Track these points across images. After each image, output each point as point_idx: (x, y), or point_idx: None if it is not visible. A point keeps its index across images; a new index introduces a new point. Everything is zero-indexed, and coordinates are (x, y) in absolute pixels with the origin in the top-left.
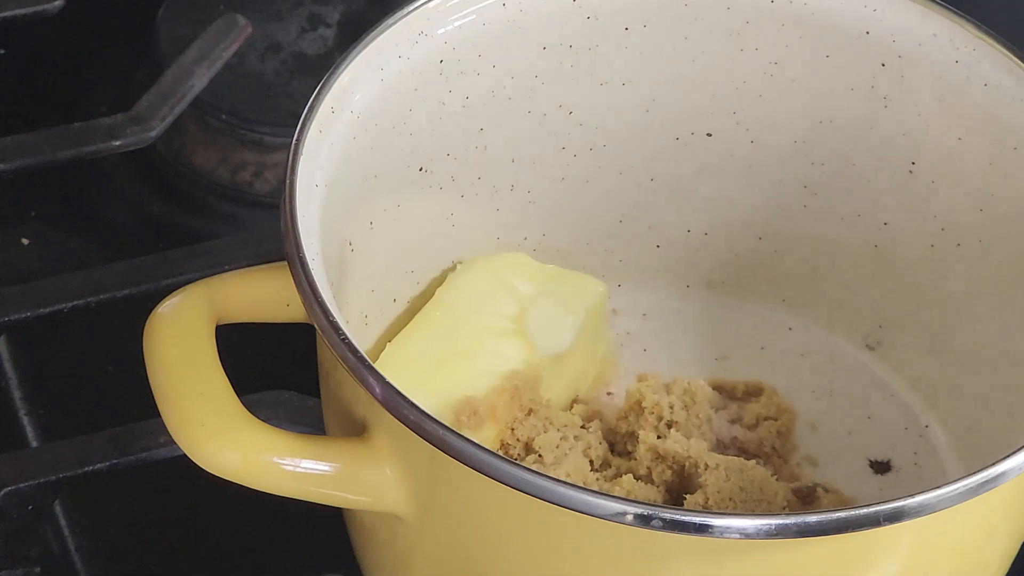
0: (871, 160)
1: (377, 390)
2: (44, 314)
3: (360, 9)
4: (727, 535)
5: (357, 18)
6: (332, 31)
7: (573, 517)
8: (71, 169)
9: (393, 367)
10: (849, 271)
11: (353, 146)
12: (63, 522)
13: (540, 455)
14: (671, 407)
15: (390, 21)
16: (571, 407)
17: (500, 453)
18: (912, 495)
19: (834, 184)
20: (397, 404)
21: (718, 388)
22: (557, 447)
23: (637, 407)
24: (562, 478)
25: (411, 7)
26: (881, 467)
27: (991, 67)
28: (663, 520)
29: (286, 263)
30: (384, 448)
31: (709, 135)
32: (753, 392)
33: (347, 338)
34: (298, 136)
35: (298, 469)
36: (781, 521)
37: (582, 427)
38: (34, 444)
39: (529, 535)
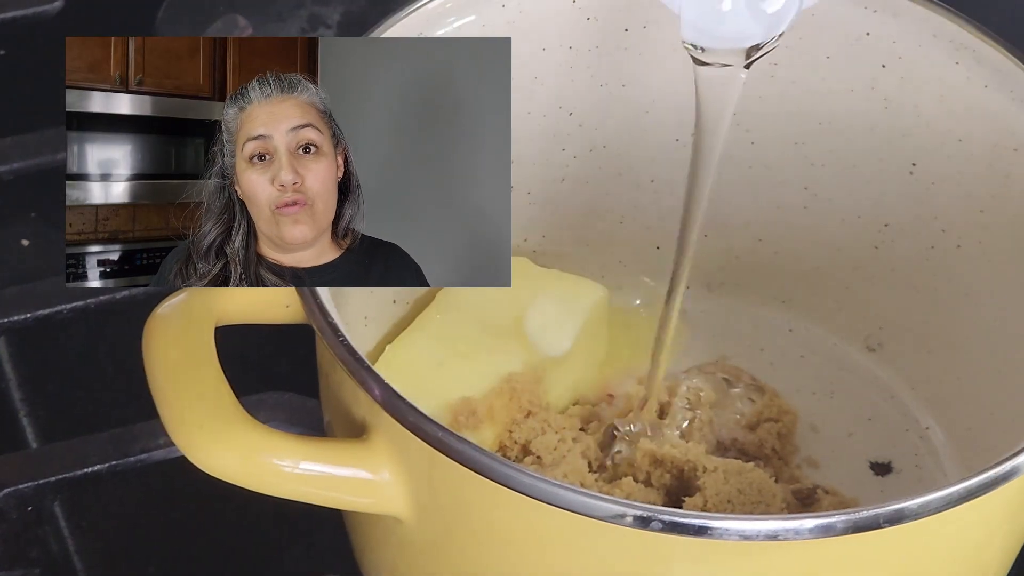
0: (871, 161)
1: (376, 392)
2: (44, 314)
3: (360, 9)
4: (727, 537)
5: (357, 18)
6: (332, 32)
7: (572, 519)
8: None
9: (392, 369)
10: (849, 272)
11: None
12: (63, 522)
13: (538, 457)
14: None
15: (390, 22)
16: (571, 409)
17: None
18: (913, 497)
19: (834, 185)
20: (396, 406)
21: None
22: (555, 449)
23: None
24: (559, 480)
25: (411, 8)
26: (882, 469)
27: (991, 67)
28: (663, 522)
29: None
30: (383, 450)
31: None
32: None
33: (346, 340)
34: None
35: (297, 471)
36: (781, 523)
37: (581, 429)
38: (34, 445)
39: (528, 537)
